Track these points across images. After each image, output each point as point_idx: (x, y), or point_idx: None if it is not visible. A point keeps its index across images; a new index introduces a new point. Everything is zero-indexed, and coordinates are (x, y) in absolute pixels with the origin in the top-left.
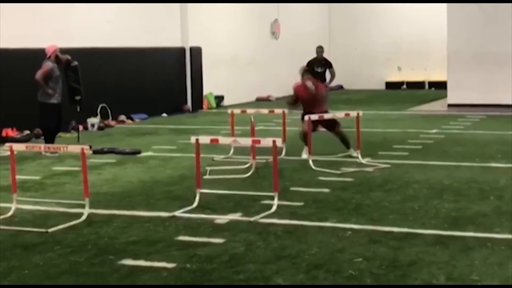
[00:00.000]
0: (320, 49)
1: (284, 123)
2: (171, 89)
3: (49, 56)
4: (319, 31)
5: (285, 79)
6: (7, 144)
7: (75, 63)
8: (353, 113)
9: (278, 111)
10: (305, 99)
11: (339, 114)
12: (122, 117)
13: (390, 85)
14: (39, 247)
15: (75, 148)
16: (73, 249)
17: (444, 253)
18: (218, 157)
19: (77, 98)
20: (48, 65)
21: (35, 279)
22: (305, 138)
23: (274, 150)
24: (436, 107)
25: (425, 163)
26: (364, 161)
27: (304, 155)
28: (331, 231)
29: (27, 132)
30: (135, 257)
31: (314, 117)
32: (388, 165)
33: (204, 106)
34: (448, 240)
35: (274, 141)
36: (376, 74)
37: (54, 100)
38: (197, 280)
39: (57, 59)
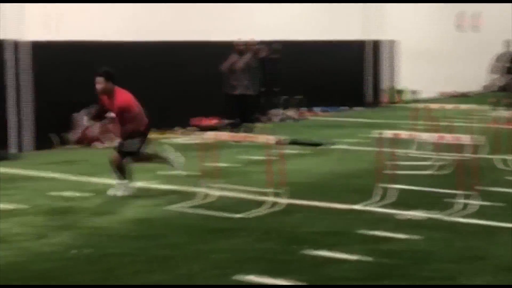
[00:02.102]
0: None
1: (471, 120)
2: (352, 82)
3: (238, 49)
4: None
5: (472, 74)
6: (209, 133)
7: (270, 55)
8: None
9: (463, 107)
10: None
11: None
12: (307, 109)
13: None
14: (226, 233)
15: (263, 138)
16: (258, 237)
17: None
18: (400, 152)
19: (266, 90)
20: (233, 57)
21: (221, 264)
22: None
23: (471, 148)
24: None
25: None
26: None
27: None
28: None
29: (218, 121)
30: (317, 248)
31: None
32: None
33: (386, 100)
34: None
35: (466, 138)
36: None
37: (239, 91)
38: (379, 274)
39: (241, 52)
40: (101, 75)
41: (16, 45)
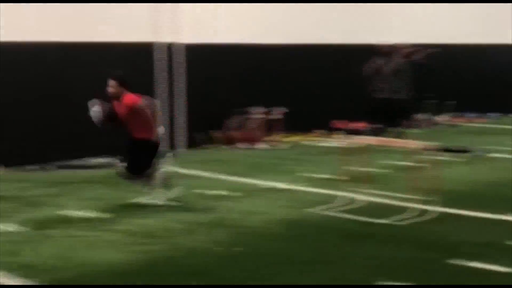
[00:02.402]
0: None
1: None
2: (506, 88)
3: (383, 52)
4: None
5: None
6: (357, 137)
7: (422, 59)
8: None
9: None
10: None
11: None
12: (459, 115)
13: None
14: (371, 238)
15: (411, 144)
16: (404, 244)
17: None
18: None
19: (416, 94)
20: (378, 60)
21: (364, 269)
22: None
23: None
24: None
25: None
26: None
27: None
28: None
29: (364, 124)
30: (465, 258)
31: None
32: None
33: None
34: None
35: None
36: None
37: (387, 95)
38: None
39: (386, 54)
40: (115, 79)
41: (170, 47)
